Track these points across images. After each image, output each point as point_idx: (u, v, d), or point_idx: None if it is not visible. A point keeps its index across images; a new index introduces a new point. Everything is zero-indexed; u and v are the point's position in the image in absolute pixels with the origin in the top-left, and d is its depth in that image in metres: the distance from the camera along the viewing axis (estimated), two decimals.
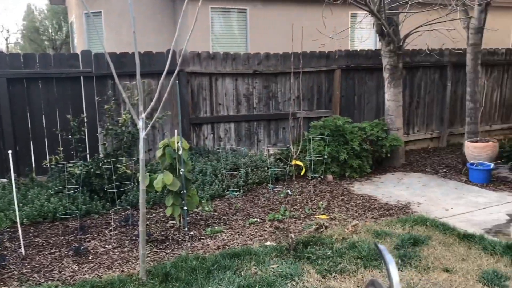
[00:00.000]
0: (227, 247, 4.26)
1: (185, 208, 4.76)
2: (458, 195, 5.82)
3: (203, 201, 5.70)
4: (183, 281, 3.45)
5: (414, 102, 9.15)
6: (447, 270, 3.57)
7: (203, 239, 4.53)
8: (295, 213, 5.20)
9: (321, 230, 4.56)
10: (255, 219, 5.07)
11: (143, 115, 3.53)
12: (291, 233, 4.43)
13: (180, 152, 4.68)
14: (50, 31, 35.05)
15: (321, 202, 5.51)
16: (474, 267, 3.60)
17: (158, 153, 4.89)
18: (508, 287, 3.28)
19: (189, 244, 4.39)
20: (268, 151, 7.91)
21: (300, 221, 4.97)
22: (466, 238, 4.15)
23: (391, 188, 6.24)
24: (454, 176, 6.80)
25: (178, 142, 4.74)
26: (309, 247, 4.07)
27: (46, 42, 34.58)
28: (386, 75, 7.44)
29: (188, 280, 3.48)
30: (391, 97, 7.42)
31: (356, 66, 8.49)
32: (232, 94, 7.84)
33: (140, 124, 3.51)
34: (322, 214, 5.13)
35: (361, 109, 8.71)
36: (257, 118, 8.00)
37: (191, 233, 4.69)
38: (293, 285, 3.43)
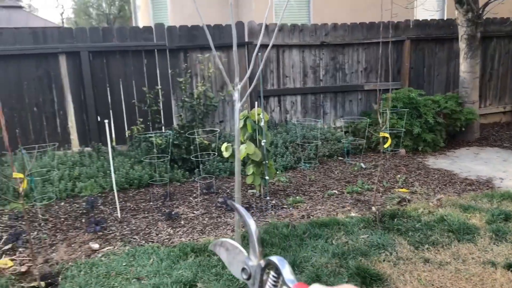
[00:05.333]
0: (311, 217, 4.35)
1: (266, 177, 4.87)
2: None
3: (277, 172, 5.81)
4: (278, 247, 3.58)
5: (487, 74, 8.75)
6: None
7: (285, 208, 4.64)
8: (373, 186, 5.20)
9: (404, 203, 4.55)
10: (333, 191, 5.12)
11: (239, 86, 3.61)
12: (375, 205, 4.45)
13: (262, 124, 4.77)
14: (104, 5, 35.80)
15: (398, 176, 5.48)
16: None
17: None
18: None
19: (273, 213, 4.51)
20: (335, 124, 7.89)
21: (380, 194, 4.97)
22: None
23: (468, 163, 6.08)
24: None
25: (259, 114, 4.82)
26: (396, 219, 4.09)
27: (100, 17, 35.51)
28: (462, 45, 7.14)
29: (282, 246, 3.61)
30: (467, 69, 7.13)
31: (426, 36, 8.19)
32: (298, 66, 7.81)
33: (236, 95, 3.60)
34: (401, 188, 5.11)
35: (431, 81, 8.44)
36: (323, 90, 7.94)
37: (273, 202, 4.82)
38: (387, 255, 3.47)
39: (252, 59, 3.76)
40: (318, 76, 7.92)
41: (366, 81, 8.05)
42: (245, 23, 7.32)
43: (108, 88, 6.76)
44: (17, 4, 16.50)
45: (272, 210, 4.59)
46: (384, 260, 3.38)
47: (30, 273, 3.46)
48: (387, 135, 4.16)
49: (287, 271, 0.56)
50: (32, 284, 3.31)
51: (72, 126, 6.65)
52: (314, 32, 7.72)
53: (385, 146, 4.32)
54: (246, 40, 7.30)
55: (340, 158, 6.51)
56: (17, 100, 6.30)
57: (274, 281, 0.57)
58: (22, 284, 3.33)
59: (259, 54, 4.26)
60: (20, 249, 3.89)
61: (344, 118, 7.91)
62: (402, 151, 6.56)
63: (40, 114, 6.47)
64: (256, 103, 4.95)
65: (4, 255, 3.81)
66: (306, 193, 5.09)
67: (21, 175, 3.24)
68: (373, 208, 4.30)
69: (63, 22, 38.20)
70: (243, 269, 0.61)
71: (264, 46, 7.63)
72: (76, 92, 6.60)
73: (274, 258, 0.58)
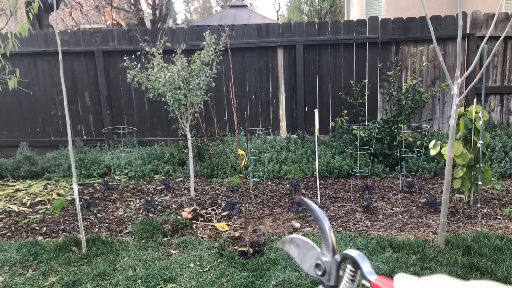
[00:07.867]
0: None
1: (479, 182, 4.42)
2: None
3: (492, 179, 5.19)
4: (488, 258, 3.23)
5: None
6: None
7: (499, 219, 4.13)
8: None
9: None
10: None
11: (459, 80, 3.35)
12: None
13: (480, 123, 4.33)
14: (317, 1, 37.46)
15: None
16: None
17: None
18: None
19: (483, 222, 4.08)
20: None
21: None
22: None
23: None
24: None
25: (477, 112, 4.39)
26: None
27: (312, 12, 37.27)
28: None
29: (493, 258, 3.24)
30: None
31: None
32: None
33: (455, 89, 3.36)
34: None
35: None
36: None
37: (484, 210, 4.34)
38: None
39: (478, 53, 3.43)
40: None
41: None
42: (468, 13, 6.69)
43: (317, 80, 7.10)
44: (243, 4, 18.66)
45: (482, 219, 4.15)
46: None
47: (242, 239, 3.93)
48: None
49: (366, 265, 0.52)
50: (242, 249, 3.77)
51: (282, 114, 7.22)
52: None
53: None
54: (468, 32, 6.68)
55: None
56: (240, 87, 7.16)
57: (352, 275, 0.53)
58: (234, 247, 3.82)
59: (485, 46, 3.86)
60: (234, 217, 4.46)
61: None
62: None
63: (257, 101, 7.22)
64: (475, 100, 4.50)
65: (222, 220, 4.43)
66: None
67: (243, 152, 3.70)
68: None
69: (278, 19, 41.51)
70: (317, 265, 0.59)
71: (490, 39, 6.87)
72: (288, 82, 7.12)
73: (351, 252, 0.54)
